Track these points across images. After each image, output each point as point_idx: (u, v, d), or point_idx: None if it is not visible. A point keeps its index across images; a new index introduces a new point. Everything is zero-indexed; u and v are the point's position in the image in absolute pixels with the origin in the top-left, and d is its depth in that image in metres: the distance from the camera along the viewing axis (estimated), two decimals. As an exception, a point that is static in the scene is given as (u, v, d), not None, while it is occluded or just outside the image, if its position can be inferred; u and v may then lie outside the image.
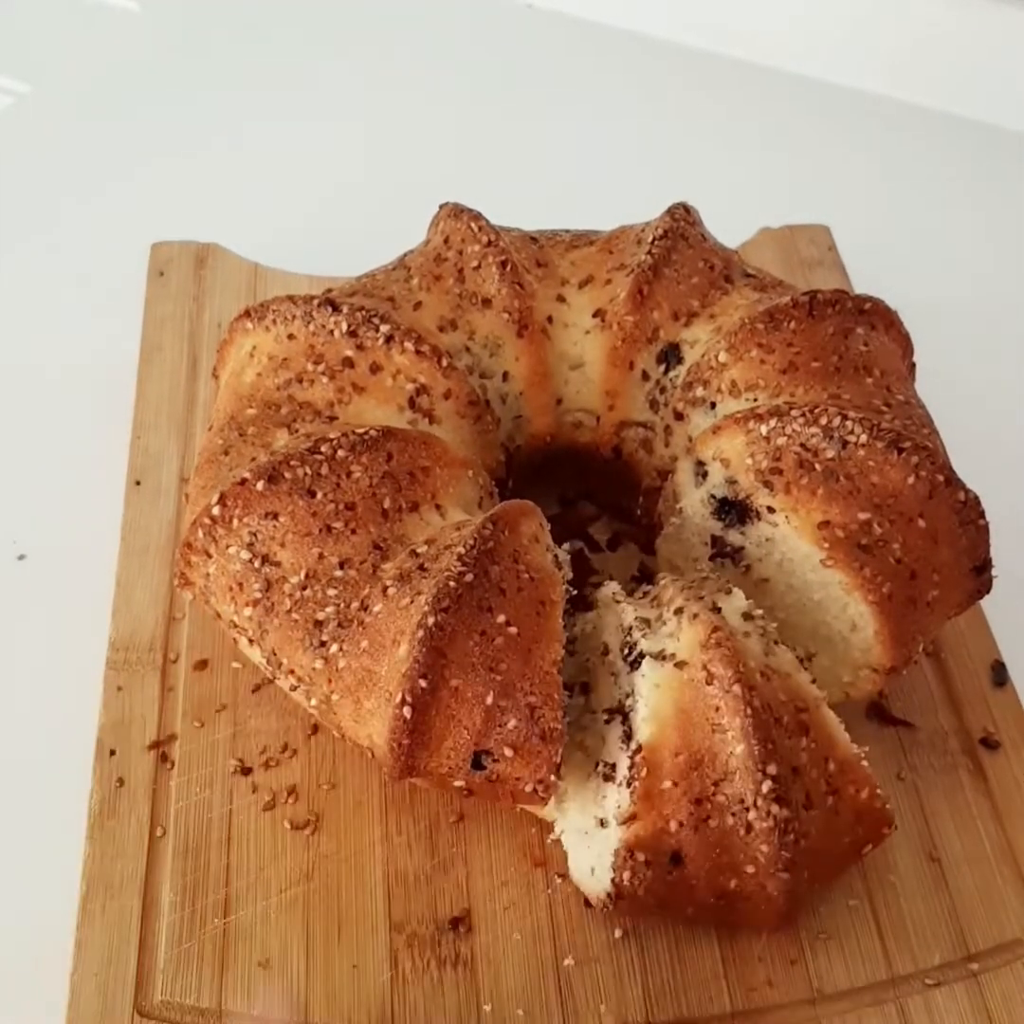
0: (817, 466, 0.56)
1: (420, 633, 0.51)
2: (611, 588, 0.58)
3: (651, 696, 0.50)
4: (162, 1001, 0.51)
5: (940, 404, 0.65)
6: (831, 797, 0.51)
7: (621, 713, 0.53)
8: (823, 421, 0.57)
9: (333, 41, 1.09)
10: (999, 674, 0.64)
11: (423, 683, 0.50)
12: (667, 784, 0.49)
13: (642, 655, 0.52)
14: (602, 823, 0.52)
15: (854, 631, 0.56)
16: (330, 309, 0.61)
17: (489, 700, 0.51)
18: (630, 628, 0.54)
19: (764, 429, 0.58)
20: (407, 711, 0.50)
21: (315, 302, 0.62)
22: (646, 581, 0.67)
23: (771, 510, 0.57)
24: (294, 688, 0.55)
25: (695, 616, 0.52)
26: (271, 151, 0.98)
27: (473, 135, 1.00)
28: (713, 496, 0.59)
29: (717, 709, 0.49)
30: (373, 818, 0.57)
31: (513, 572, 0.53)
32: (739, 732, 0.49)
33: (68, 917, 0.54)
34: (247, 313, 0.63)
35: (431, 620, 0.51)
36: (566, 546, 0.58)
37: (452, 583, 0.51)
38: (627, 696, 0.53)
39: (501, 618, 0.52)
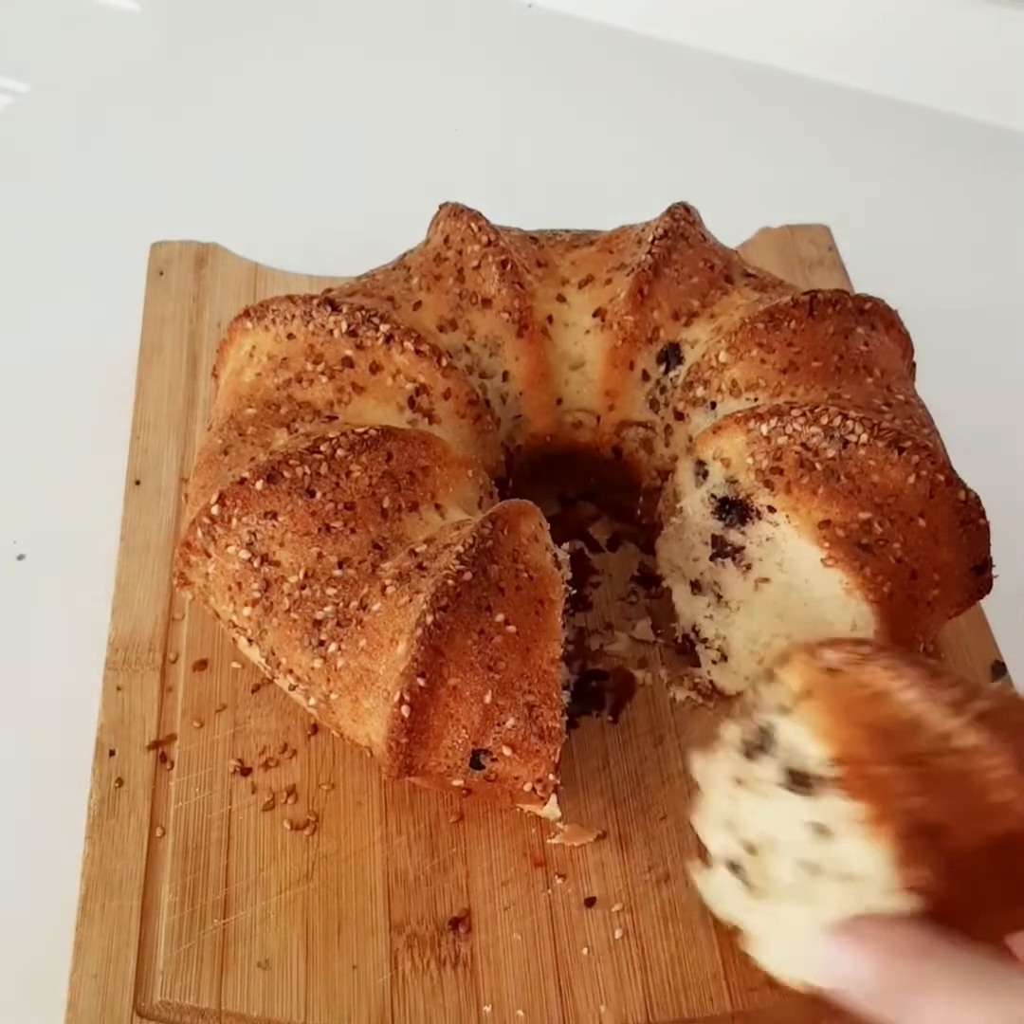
0: (818, 465, 0.56)
1: (419, 631, 0.51)
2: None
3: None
4: (162, 1001, 0.51)
5: (940, 404, 0.65)
6: None
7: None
8: (824, 420, 0.57)
9: (333, 41, 1.09)
10: (999, 674, 0.64)
11: (421, 682, 0.50)
12: (877, 769, 0.41)
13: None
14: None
15: (854, 630, 0.56)
16: (330, 309, 0.61)
17: (487, 699, 0.51)
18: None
19: (765, 429, 0.58)
20: (405, 710, 0.51)
21: (315, 302, 0.62)
22: (646, 581, 0.67)
23: (772, 509, 0.57)
24: (293, 687, 0.55)
25: None
26: (271, 151, 0.98)
27: (473, 135, 1.00)
28: (713, 496, 0.59)
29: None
30: (373, 818, 0.57)
31: (512, 571, 0.53)
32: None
33: (68, 917, 0.54)
34: (247, 313, 0.63)
35: (430, 619, 0.51)
36: (566, 546, 0.58)
37: (451, 582, 0.51)
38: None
39: (500, 617, 0.52)
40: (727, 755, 0.46)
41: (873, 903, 0.41)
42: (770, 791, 0.44)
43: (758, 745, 0.45)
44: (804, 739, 0.43)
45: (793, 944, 0.44)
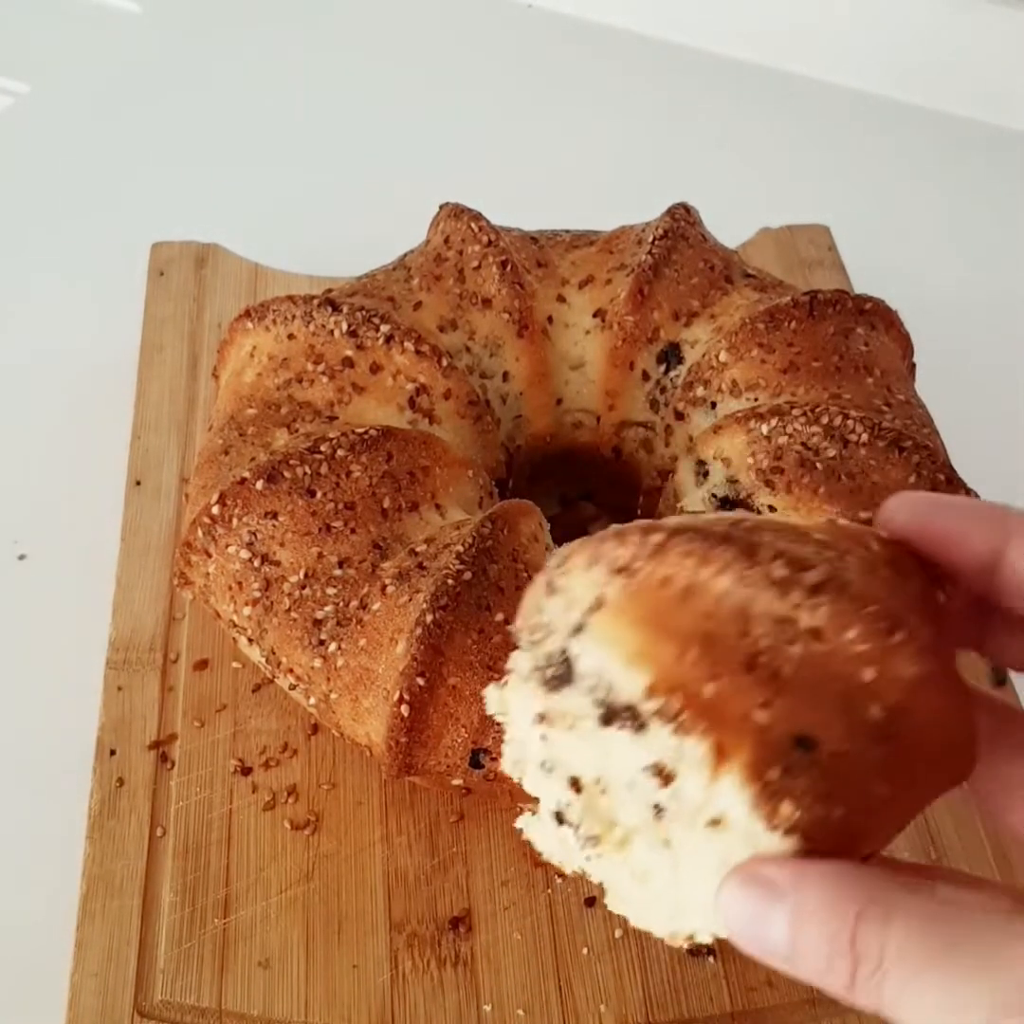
0: (818, 465, 0.56)
1: (418, 631, 0.51)
2: None
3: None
4: (162, 1001, 0.51)
5: (940, 404, 0.65)
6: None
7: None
8: (824, 420, 0.57)
9: (333, 42, 1.09)
10: (999, 674, 0.64)
11: (421, 681, 0.50)
12: (708, 687, 0.32)
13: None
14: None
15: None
16: (330, 309, 0.61)
17: (488, 698, 0.51)
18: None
19: (765, 428, 0.58)
20: (405, 709, 0.51)
21: (315, 302, 0.62)
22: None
23: (772, 509, 0.57)
24: (293, 687, 0.55)
25: None
26: (271, 151, 0.98)
27: (473, 135, 1.00)
28: (714, 495, 0.59)
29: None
30: (373, 818, 0.57)
31: (512, 571, 0.53)
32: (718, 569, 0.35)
33: (68, 917, 0.54)
34: (247, 313, 0.63)
35: (429, 618, 0.51)
36: (566, 546, 0.58)
37: (450, 581, 0.51)
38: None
39: (499, 616, 0.52)
40: (524, 687, 0.37)
41: (741, 852, 0.32)
42: (584, 729, 0.35)
43: (558, 676, 0.35)
44: (610, 662, 0.34)
45: (660, 893, 0.35)
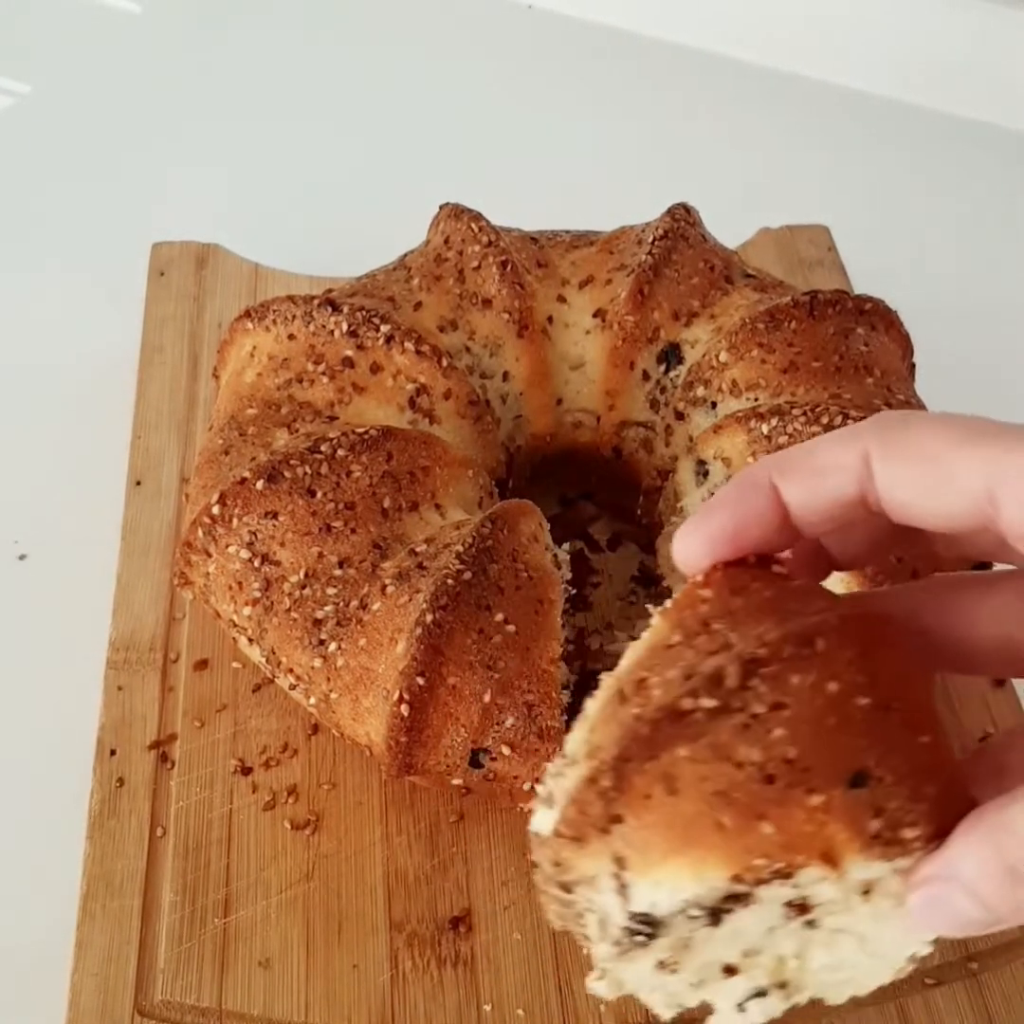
0: (817, 465, 0.56)
1: (418, 631, 0.51)
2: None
3: None
4: (162, 1001, 0.51)
5: (940, 404, 0.65)
6: None
7: None
8: (825, 420, 0.57)
9: (333, 41, 1.09)
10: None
11: (421, 681, 0.50)
12: (766, 827, 0.32)
13: None
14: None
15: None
16: (330, 309, 0.61)
17: (487, 698, 0.51)
18: None
19: (766, 428, 0.58)
20: (405, 709, 0.51)
21: (315, 302, 0.62)
22: (646, 581, 0.67)
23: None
24: (293, 687, 0.55)
25: None
26: (271, 151, 0.98)
27: (473, 135, 1.00)
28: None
29: None
30: (373, 818, 0.57)
31: (512, 571, 0.53)
32: None
33: (68, 917, 0.54)
34: (247, 313, 0.63)
35: (429, 618, 0.51)
36: (566, 546, 0.58)
37: (450, 581, 0.51)
38: None
39: (499, 616, 0.52)
40: (623, 962, 0.35)
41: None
42: (701, 937, 0.34)
43: (647, 935, 0.33)
44: (681, 891, 0.32)
45: (857, 962, 0.35)
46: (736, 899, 0.32)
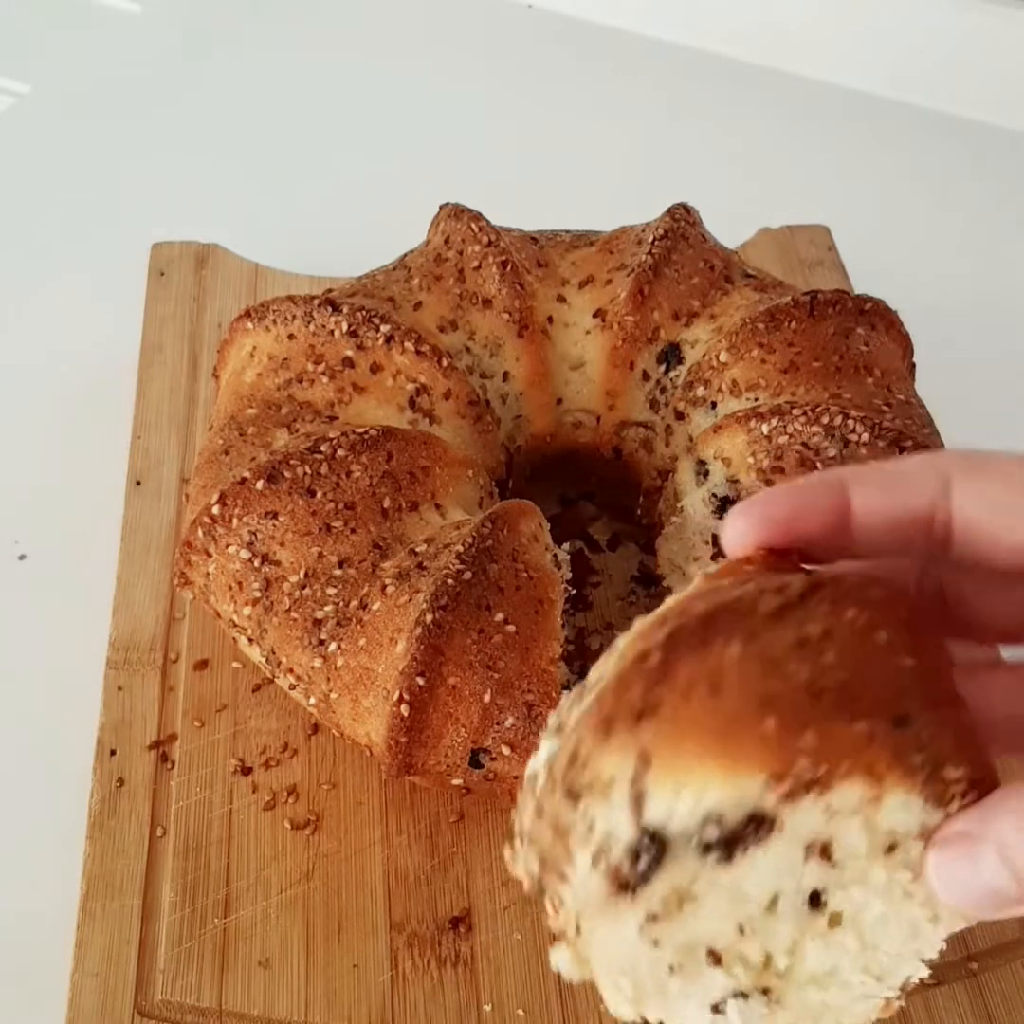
0: (819, 465, 0.56)
1: (418, 630, 0.51)
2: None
3: None
4: (162, 1000, 0.51)
5: (940, 404, 0.65)
6: None
7: None
8: (825, 420, 0.57)
9: (334, 42, 1.09)
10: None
11: (421, 681, 0.50)
12: (808, 737, 0.31)
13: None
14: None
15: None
16: (330, 309, 0.61)
17: (487, 698, 0.51)
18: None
19: (766, 428, 0.58)
20: (405, 709, 0.51)
21: (315, 302, 0.62)
22: (646, 581, 0.67)
23: (771, 509, 0.57)
24: (293, 687, 0.55)
25: None
26: (271, 151, 0.98)
27: (473, 135, 1.00)
28: (715, 495, 0.59)
29: None
30: (373, 818, 0.57)
31: (512, 571, 0.53)
32: None
33: (68, 917, 0.54)
34: (247, 313, 0.63)
35: (429, 617, 0.51)
36: (566, 546, 0.58)
37: (450, 581, 0.51)
38: None
39: (499, 616, 0.52)
40: (607, 918, 0.32)
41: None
42: (701, 890, 0.31)
43: (650, 863, 0.31)
44: (706, 797, 0.30)
45: (849, 978, 0.34)
46: (758, 826, 0.31)
